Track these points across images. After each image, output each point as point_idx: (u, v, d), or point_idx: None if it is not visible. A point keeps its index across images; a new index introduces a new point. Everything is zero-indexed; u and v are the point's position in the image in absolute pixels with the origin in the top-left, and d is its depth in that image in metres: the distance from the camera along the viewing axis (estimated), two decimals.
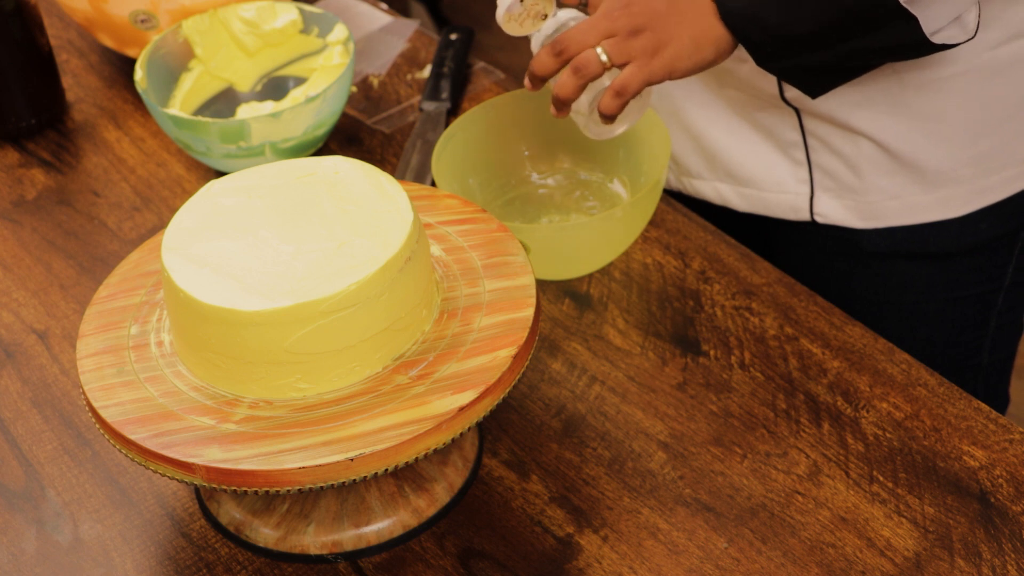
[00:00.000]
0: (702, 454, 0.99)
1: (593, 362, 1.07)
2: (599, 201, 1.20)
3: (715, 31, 1.03)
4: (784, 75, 1.07)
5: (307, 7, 1.34)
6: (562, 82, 1.04)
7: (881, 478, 0.97)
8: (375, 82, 1.40)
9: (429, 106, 1.34)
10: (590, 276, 1.15)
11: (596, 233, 1.11)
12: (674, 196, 1.29)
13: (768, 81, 1.16)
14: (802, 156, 1.20)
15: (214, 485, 0.86)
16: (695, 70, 1.04)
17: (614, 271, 1.15)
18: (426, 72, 1.40)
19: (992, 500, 0.95)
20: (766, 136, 1.21)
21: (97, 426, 0.91)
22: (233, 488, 0.85)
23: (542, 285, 1.13)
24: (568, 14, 1.08)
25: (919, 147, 1.16)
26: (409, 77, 1.41)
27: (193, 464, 0.85)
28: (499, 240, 0.99)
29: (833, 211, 1.21)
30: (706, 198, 1.28)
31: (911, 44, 1.02)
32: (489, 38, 3.29)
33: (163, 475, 0.87)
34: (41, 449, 1.04)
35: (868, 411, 1.02)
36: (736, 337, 1.08)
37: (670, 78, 1.04)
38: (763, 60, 1.05)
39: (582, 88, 1.04)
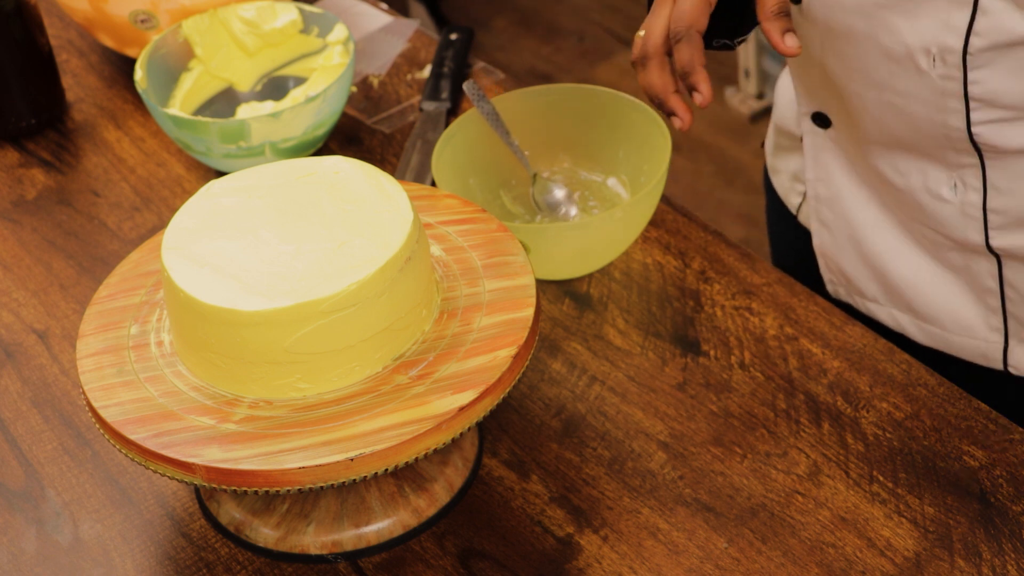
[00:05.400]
0: (702, 454, 0.99)
1: (593, 362, 1.07)
2: (599, 201, 1.20)
3: None
4: None
5: (307, 7, 1.34)
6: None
7: (881, 478, 0.97)
8: (375, 82, 1.40)
9: (429, 106, 1.34)
10: (590, 276, 1.15)
11: (596, 233, 1.11)
12: (844, 308, 1.20)
13: (974, 228, 1.06)
14: (997, 304, 1.09)
15: (214, 485, 0.86)
16: None
17: (614, 271, 1.15)
18: (426, 72, 1.40)
19: (992, 500, 0.95)
20: (957, 278, 1.10)
21: (97, 426, 0.91)
22: (233, 488, 0.85)
23: (542, 285, 1.13)
24: None
25: None
26: (409, 77, 1.41)
27: (193, 464, 0.85)
28: (499, 240, 0.99)
29: None
30: (880, 321, 1.18)
31: None
32: (489, 38, 3.29)
33: (163, 475, 0.87)
34: (41, 449, 1.04)
35: (868, 411, 1.02)
36: (736, 337, 1.08)
37: None
38: None
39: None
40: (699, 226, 1.18)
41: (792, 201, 1.25)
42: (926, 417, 1.01)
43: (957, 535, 0.93)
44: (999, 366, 1.12)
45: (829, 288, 1.22)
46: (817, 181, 1.17)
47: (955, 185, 1.04)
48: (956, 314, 1.12)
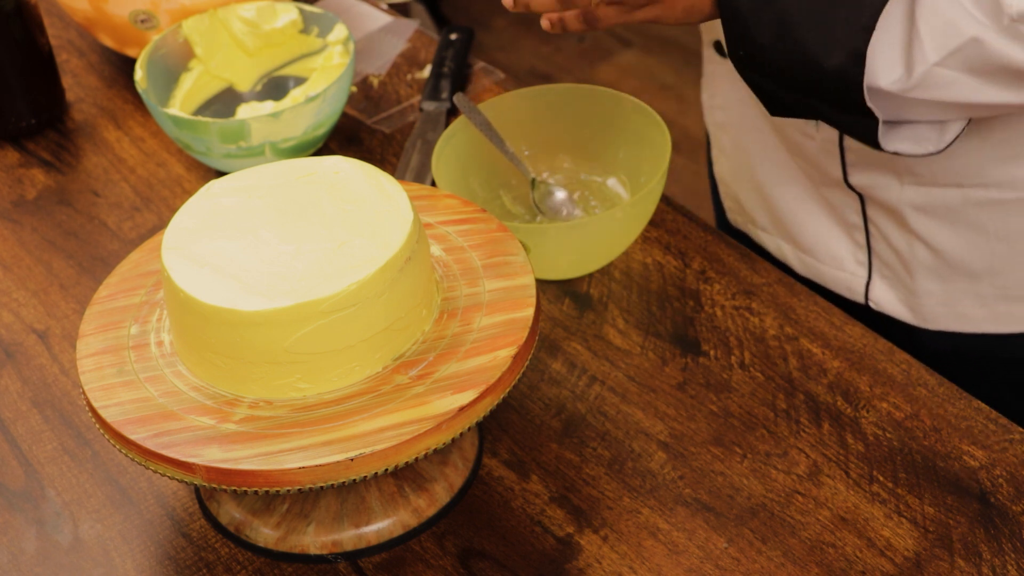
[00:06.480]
0: (702, 454, 0.99)
1: (593, 362, 1.07)
2: (599, 201, 1.20)
3: (709, 8, 1.01)
4: (749, 84, 1.03)
5: (307, 7, 1.34)
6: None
7: (881, 478, 0.97)
8: (375, 82, 1.40)
9: (429, 106, 1.34)
10: (590, 276, 1.15)
11: (596, 233, 1.11)
12: (736, 237, 1.26)
13: (834, 164, 1.14)
14: (863, 240, 1.17)
15: (214, 485, 0.86)
16: (673, 25, 1.02)
17: (614, 271, 1.15)
18: (426, 72, 1.40)
19: (992, 500, 0.95)
20: (830, 212, 1.18)
21: (97, 426, 0.91)
22: (233, 488, 0.85)
23: (542, 285, 1.13)
24: None
25: (975, 260, 1.12)
26: (409, 77, 1.41)
27: (193, 464, 0.85)
28: (499, 240, 0.99)
29: (888, 302, 1.18)
30: (768, 250, 1.26)
31: (864, 138, 1.00)
32: (489, 38, 3.29)
33: (163, 475, 0.87)
34: (41, 449, 1.04)
35: (868, 411, 1.02)
36: (736, 337, 1.08)
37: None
38: (734, 61, 1.02)
39: (558, 7, 1.01)
40: (699, 226, 1.18)
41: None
42: (926, 417, 1.01)
43: (957, 535, 0.93)
44: (861, 299, 1.19)
45: (729, 216, 1.30)
46: (717, 108, 1.25)
47: (816, 122, 1.11)
48: (828, 246, 1.19)
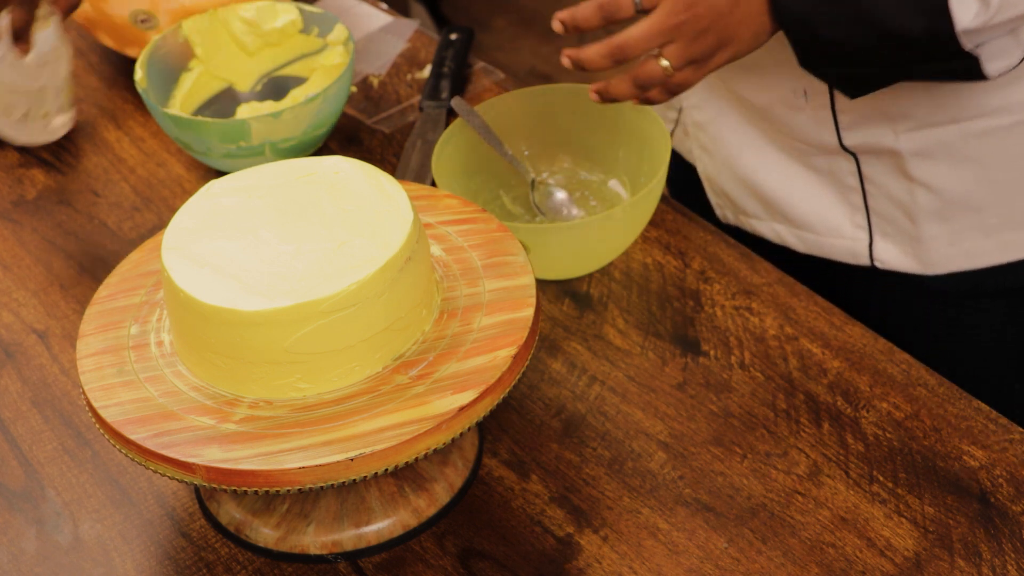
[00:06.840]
0: (702, 454, 0.99)
1: (593, 362, 1.07)
2: (599, 201, 1.20)
3: (770, 25, 1.02)
4: (826, 80, 1.06)
5: (307, 7, 1.34)
6: (619, 88, 1.03)
7: (881, 478, 0.97)
8: (375, 82, 1.40)
9: (429, 106, 1.34)
10: (590, 276, 1.15)
11: (596, 233, 1.11)
12: (731, 233, 1.27)
13: (827, 130, 1.15)
14: (860, 201, 1.18)
15: (214, 485, 0.86)
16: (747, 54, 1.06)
17: (614, 271, 1.15)
18: (426, 72, 1.40)
19: (992, 500, 0.95)
20: (823, 181, 1.19)
21: (97, 426, 0.91)
22: (233, 488, 0.85)
23: (542, 285, 1.13)
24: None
25: (977, 194, 1.14)
26: (409, 77, 1.41)
27: (193, 464, 0.85)
28: (499, 240, 0.99)
29: (893, 257, 1.19)
30: (764, 237, 1.26)
31: (969, 76, 1.03)
32: (489, 38, 3.29)
33: (163, 475, 0.87)
34: (41, 449, 1.04)
35: (868, 411, 1.02)
36: (736, 337, 1.08)
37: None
38: (808, 65, 1.04)
39: (638, 94, 1.04)
40: (699, 226, 1.18)
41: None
42: (926, 417, 1.01)
43: (957, 535, 0.93)
44: (866, 262, 1.21)
45: (717, 212, 1.31)
46: (692, 108, 1.26)
47: (804, 92, 1.13)
48: (825, 216, 1.20)
